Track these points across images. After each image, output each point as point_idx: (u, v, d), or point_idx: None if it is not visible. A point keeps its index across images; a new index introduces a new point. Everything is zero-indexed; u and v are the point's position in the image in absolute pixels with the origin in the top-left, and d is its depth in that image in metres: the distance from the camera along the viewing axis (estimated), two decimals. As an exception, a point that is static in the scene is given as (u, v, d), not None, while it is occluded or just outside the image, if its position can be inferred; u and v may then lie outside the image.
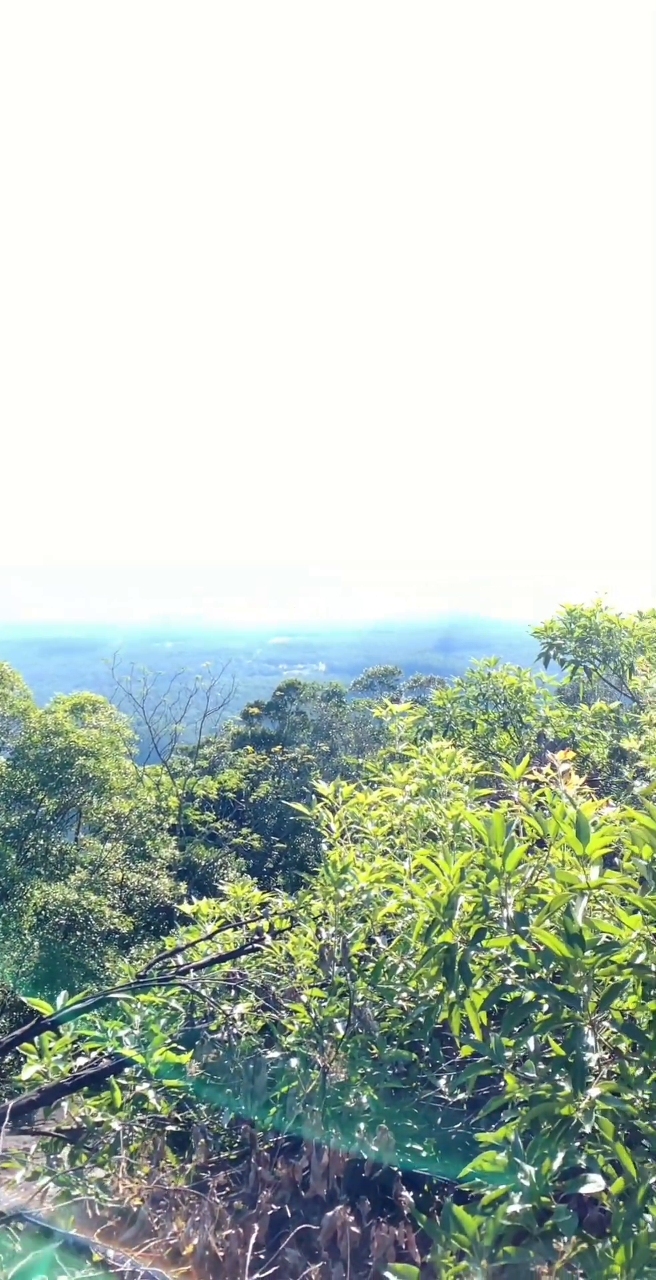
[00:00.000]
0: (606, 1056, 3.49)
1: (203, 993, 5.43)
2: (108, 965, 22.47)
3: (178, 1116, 4.72)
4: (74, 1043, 5.07)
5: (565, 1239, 2.81)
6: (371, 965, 4.94)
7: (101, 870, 27.12)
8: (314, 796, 6.30)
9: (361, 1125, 4.06)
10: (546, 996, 3.46)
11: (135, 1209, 3.86)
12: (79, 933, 24.05)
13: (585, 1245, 2.83)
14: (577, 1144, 3.04)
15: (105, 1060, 4.91)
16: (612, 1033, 3.51)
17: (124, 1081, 4.81)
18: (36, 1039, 4.87)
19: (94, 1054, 4.99)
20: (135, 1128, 4.57)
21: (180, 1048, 4.88)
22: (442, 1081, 4.37)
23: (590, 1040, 3.33)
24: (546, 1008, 3.49)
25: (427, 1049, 4.57)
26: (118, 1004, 5.35)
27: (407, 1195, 3.72)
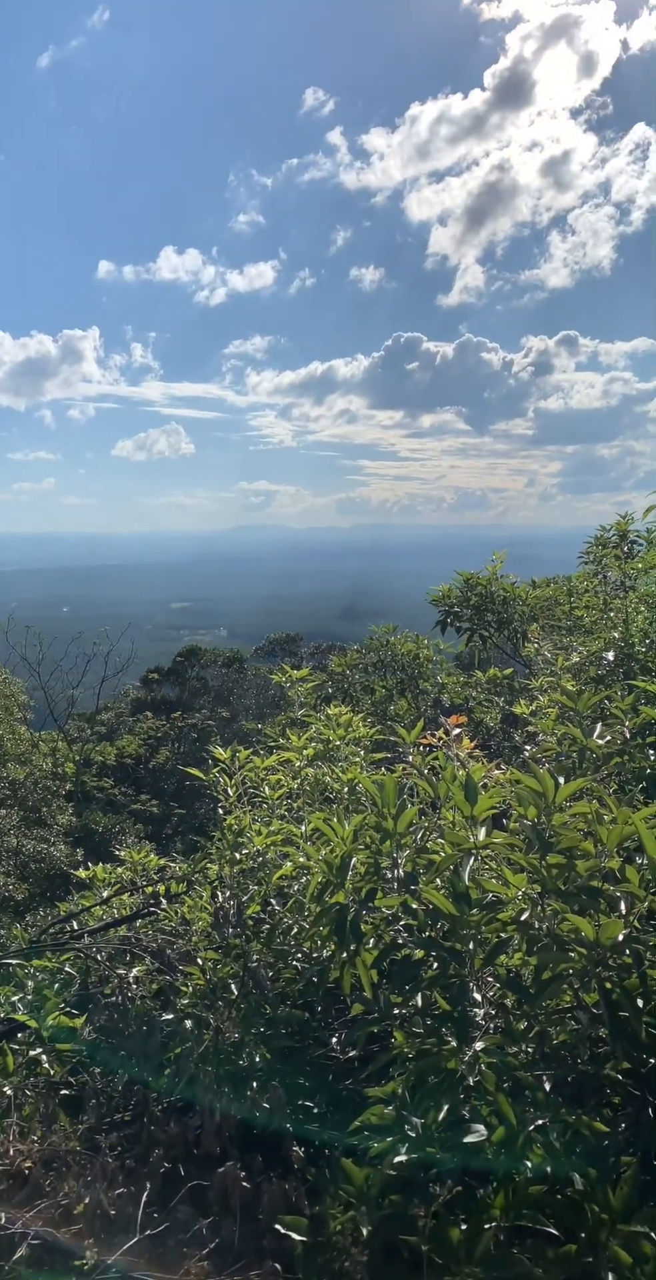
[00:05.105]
0: (492, 1011, 3.60)
1: (98, 957, 5.41)
2: (1, 932, 22.17)
3: (71, 1080, 4.71)
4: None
5: (446, 1185, 2.91)
6: (266, 927, 5.00)
7: (-5, 837, 26.69)
8: (212, 762, 6.31)
9: (254, 1084, 4.12)
10: (434, 954, 3.55)
11: (27, 1171, 3.85)
12: (-28, 900, 23.67)
13: (462, 1189, 2.93)
14: (462, 1096, 3.13)
15: (-3, 1026, 4.88)
16: (497, 988, 3.62)
17: (16, 1046, 4.78)
18: None
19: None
20: (28, 1092, 4.55)
21: (74, 1012, 4.87)
22: (334, 1039, 4.46)
23: (475, 996, 3.44)
24: (434, 965, 3.58)
25: (320, 1008, 4.65)
26: (11, 970, 5.30)
27: (298, 1150, 3.79)
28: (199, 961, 4.96)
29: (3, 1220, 3.56)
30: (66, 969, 5.50)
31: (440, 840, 4.05)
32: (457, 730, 5.39)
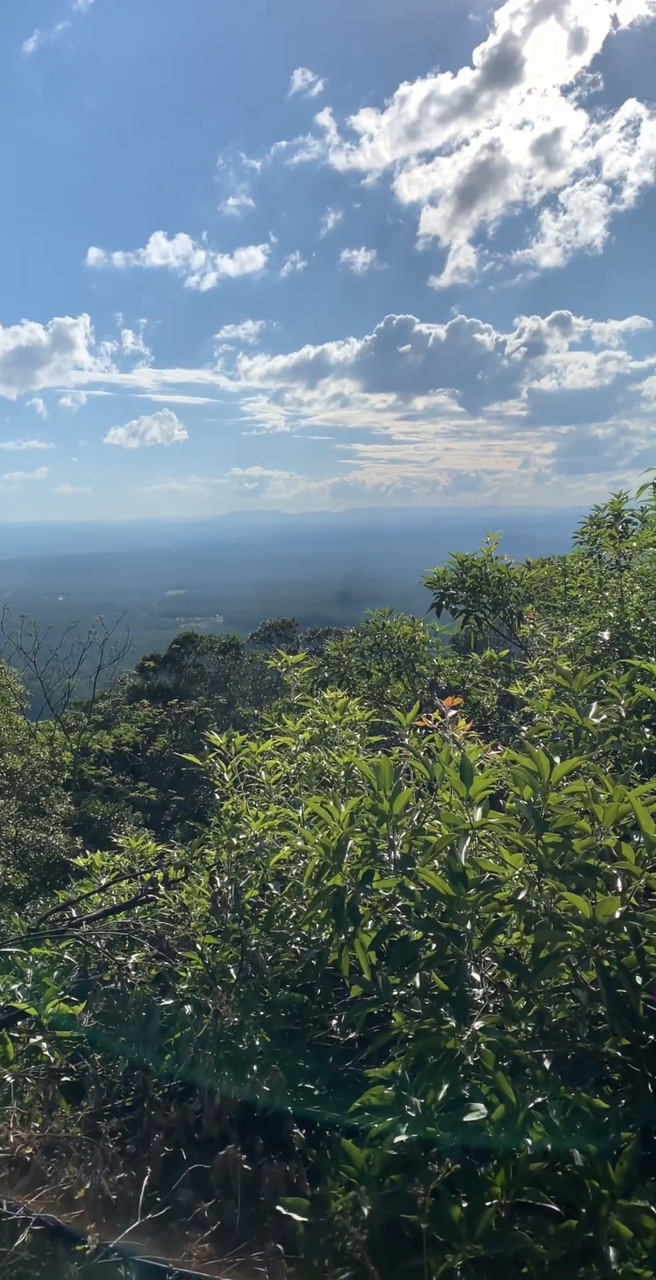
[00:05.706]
0: (490, 991, 3.60)
1: (97, 944, 5.42)
2: (1, 921, 22.20)
3: (72, 1067, 4.72)
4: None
5: (446, 1164, 2.91)
6: (265, 911, 5.00)
7: (-6, 827, 26.70)
8: (208, 748, 6.31)
9: (254, 1067, 4.12)
10: (432, 935, 3.55)
11: (28, 1158, 3.86)
12: (-29, 890, 23.70)
13: (462, 1167, 2.94)
14: (461, 1075, 3.14)
15: (-3, 1014, 4.88)
16: (495, 968, 3.62)
17: (16, 1034, 4.78)
18: None
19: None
20: (28, 1079, 4.56)
21: (74, 999, 4.87)
22: (333, 1021, 4.46)
23: (474, 975, 3.44)
24: (432, 945, 3.58)
25: (319, 990, 4.66)
26: (10, 958, 5.31)
27: (299, 1132, 3.79)
28: (198, 947, 4.97)
29: (5, 1206, 3.57)
30: (66, 956, 5.51)
31: (437, 821, 4.05)
32: (453, 712, 5.38)
